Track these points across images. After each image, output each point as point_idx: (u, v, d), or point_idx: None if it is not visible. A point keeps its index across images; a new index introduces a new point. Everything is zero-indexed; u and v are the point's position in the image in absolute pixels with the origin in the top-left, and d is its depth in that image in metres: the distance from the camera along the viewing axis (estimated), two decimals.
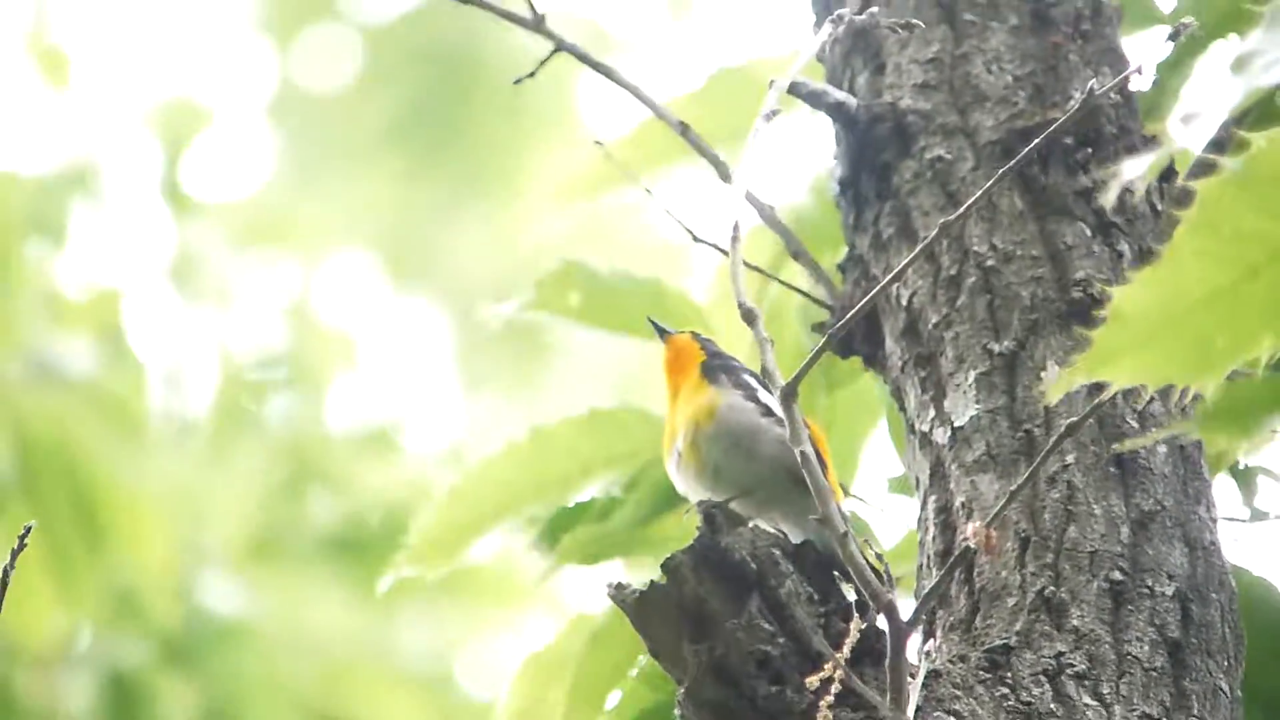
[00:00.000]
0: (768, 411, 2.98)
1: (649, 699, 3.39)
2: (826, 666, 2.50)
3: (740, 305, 2.63)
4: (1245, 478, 3.38)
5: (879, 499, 3.55)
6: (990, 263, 3.11)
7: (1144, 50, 3.43)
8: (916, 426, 3.10)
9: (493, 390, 7.96)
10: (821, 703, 2.53)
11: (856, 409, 3.68)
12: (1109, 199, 3.09)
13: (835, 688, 2.53)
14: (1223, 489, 3.23)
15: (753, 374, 3.06)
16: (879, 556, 2.75)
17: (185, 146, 6.53)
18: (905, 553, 3.42)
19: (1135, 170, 2.55)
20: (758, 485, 2.95)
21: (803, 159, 3.81)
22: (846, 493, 3.50)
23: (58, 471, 5.45)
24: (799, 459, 2.57)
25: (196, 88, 7.66)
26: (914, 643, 2.67)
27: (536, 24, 3.38)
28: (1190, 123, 2.40)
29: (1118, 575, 2.88)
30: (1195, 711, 2.83)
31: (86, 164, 6.37)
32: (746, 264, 2.72)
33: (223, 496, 5.88)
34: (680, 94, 3.73)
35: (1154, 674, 2.83)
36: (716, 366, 3.08)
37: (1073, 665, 2.82)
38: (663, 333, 3.20)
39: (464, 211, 7.94)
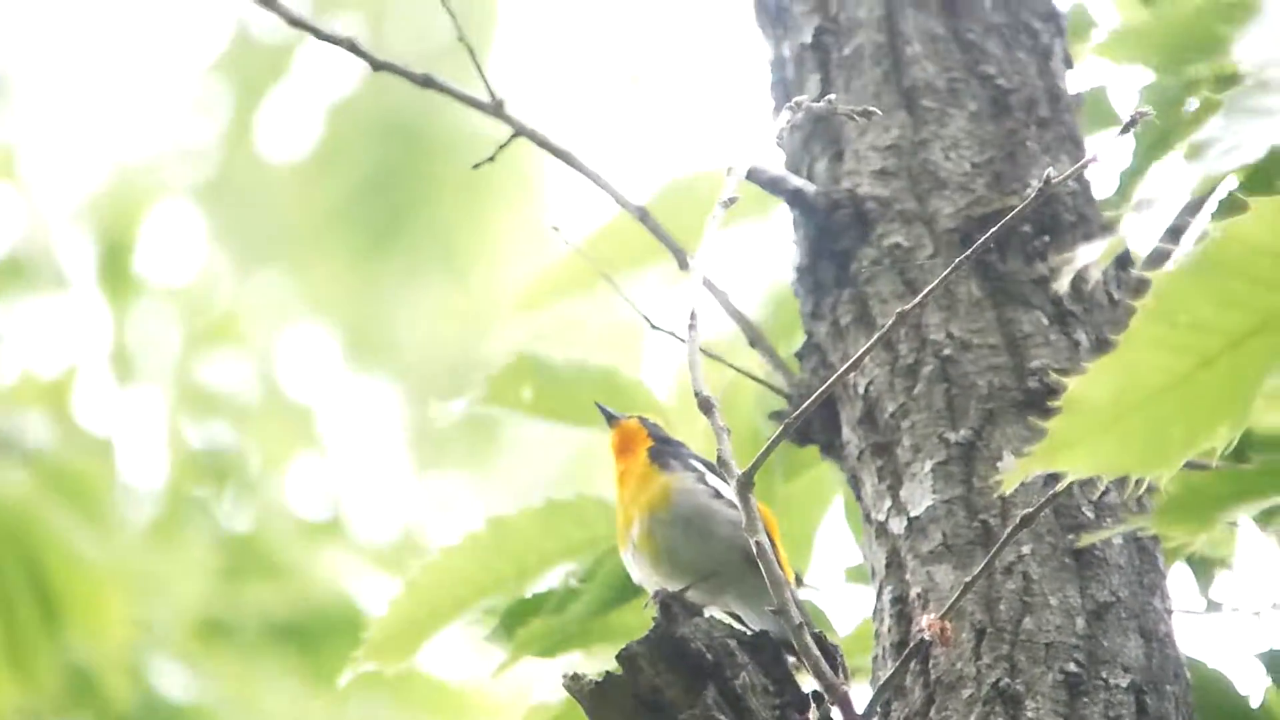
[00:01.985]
0: (718, 494, 2.96)
1: None
2: None
3: (697, 395, 2.62)
4: (1202, 568, 3.38)
5: (835, 587, 3.54)
6: (947, 351, 3.11)
7: (1102, 143, 3.44)
8: (873, 516, 3.09)
9: (446, 474, 7.92)
10: None
11: (813, 496, 3.66)
12: (1062, 284, 3.09)
13: None
14: (1179, 579, 3.23)
15: (699, 458, 3.05)
16: (835, 647, 2.73)
17: (134, 227, 6.49)
18: (861, 643, 3.40)
19: (1089, 256, 2.56)
20: (713, 568, 2.93)
21: (760, 246, 3.81)
22: (800, 581, 3.48)
23: (14, 546, 5.40)
24: (754, 549, 2.56)
25: (144, 169, 7.61)
26: None
27: (496, 109, 3.39)
28: (1143, 210, 2.40)
29: (1073, 667, 2.87)
30: None
31: (32, 250, 6.33)
32: (704, 351, 2.70)
33: (172, 581, 5.82)
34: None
35: None
36: (665, 451, 3.06)
37: None
38: (610, 417, 3.19)
39: (420, 290, 7.91)
